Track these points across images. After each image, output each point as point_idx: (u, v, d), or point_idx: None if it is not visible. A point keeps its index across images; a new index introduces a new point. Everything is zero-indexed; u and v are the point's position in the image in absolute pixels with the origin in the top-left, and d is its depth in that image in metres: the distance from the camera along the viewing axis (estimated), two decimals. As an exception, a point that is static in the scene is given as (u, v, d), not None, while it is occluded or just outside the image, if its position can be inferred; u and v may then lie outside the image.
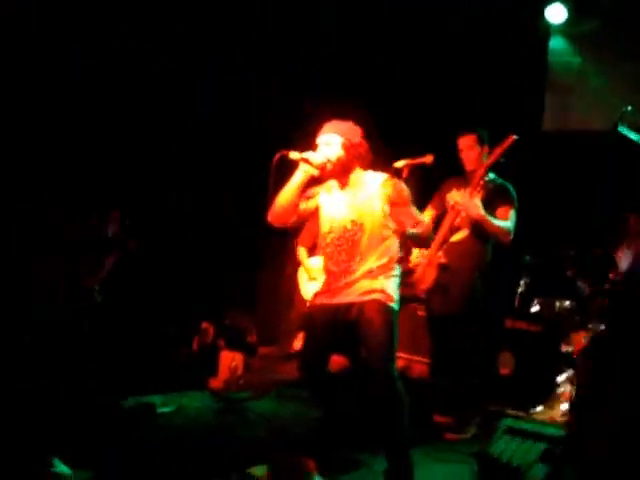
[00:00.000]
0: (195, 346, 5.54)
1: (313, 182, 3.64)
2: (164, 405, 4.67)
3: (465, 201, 4.29)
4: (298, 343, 6.28)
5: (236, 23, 5.93)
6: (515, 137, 4.18)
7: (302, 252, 6.21)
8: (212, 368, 5.38)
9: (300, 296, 6.18)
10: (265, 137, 5.70)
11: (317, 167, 3.52)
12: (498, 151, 4.23)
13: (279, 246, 6.53)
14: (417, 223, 3.58)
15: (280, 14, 6.11)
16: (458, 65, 6.21)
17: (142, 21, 5.27)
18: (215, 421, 4.58)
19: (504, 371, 5.06)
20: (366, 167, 3.63)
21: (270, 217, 3.63)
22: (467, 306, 4.41)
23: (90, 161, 4.94)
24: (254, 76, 6.04)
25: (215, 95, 5.85)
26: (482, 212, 4.26)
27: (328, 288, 3.65)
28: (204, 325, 5.60)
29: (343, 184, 3.62)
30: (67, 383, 4.41)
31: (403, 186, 3.60)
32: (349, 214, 3.57)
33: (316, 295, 3.75)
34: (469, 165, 4.52)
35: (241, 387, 5.21)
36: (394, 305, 3.53)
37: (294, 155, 3.47)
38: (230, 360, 5.31)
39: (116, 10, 5.08)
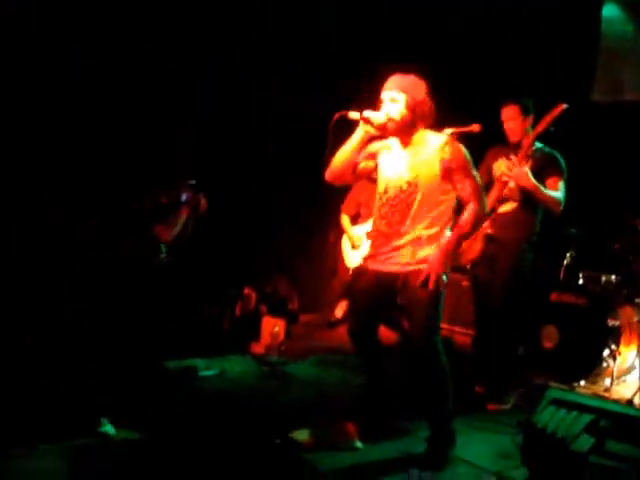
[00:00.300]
0: (238, 311, 5.59)
1: (375, 138, 3.59)
2: (207, 369, 4.72)
3: (515, 171, 4.22)
4: (340, 311, 6.32)
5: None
6: (565, 105, 4.10)
7: (346, 220, 6.22)
8: (254, 334, 5.42)
9: (343, 264, 6.21)
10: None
11: (378, 127, 3.46)
12: (547, 119, 4.15)
13: (323, 214, 6.55)
14: (473, 194, 3.45)
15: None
16: (507, 32, 6.09)
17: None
18: (257, 385, 4.62)
19: (548, 344, 5.01)
20: (429, 126, 3.53)
21: (328, 175, 3.61)
22: (514, 278, 4.35)
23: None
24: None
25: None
26: (533, 181, 4.19)
27: (376, 252, 3.61)
28: (247, 291, 5.64)
29: (405, 143, 3.53)
30: (123, 342, 4.47)
31: (462, 150, 3.47)
32: (406, 174, 3.49)
33: (365, 259, 3.74)
34: (513, 136, 4.43)
35: (282, 353, 5.24)
36: (441, 276, 3.44)
37: (354, 115, 3.41)
38: (272, 326, 5.35)
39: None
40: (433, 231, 3.48)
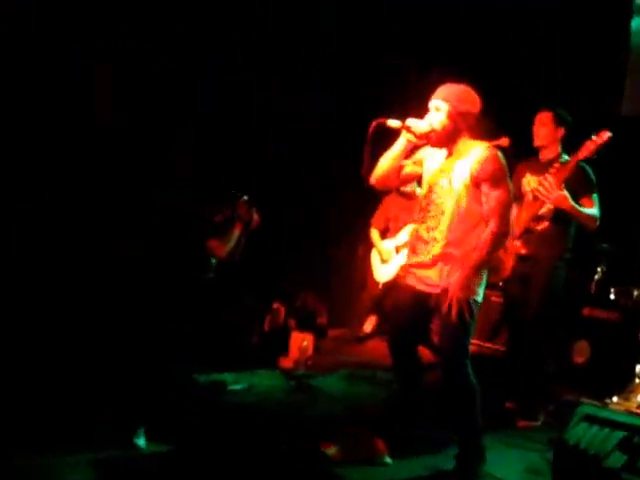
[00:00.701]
0: (266, 326, 5.60)
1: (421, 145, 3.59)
2: (235, 383, 4.74)
3: (554, 195, 4.17)
4: (369, 326, 6.31)
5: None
6: (609, 134, 4.06)
7: (375, 234, 6.23)
8: (283, 348, 5.42)
9: (372, 278, 6.21)
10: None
11: (420, 136, 3.45)
12: (591, 148, 4.09)
13: (352, 228, 6.55)
14: (496, 210, 3.34)
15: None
16: (537, 46, 6.07)
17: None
18: (285, 400, 4.62)
19: (579, 360, 4.96)
20: (476, 136, 3.48)
21: (373, 180, 3.61)
22: (548, 295, 4.32)
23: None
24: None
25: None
26: (573, 204, 4.17)
27: (414, 261, 3.55)
28: (275, 305, 5.64)
29: (448, 152, 3.51)
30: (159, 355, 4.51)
31: (496, 160, 3.38)
32: (444, 182, 3.46)
33: (402, 268, 3.72)
34: (537, 140, 4.42)
35: (310, 367, 5.24)
36: (474, 296, 3.41)
37: (393, 123, 3.41)
38: (300, 341, 5.35)
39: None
40: (467, 246, 3.41)
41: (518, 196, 4.41)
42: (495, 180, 3.36)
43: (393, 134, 3.51)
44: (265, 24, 6.06)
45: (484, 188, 3.37)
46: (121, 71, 5.18)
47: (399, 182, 3.73)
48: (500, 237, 3.38)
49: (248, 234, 5.09)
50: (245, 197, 5.02)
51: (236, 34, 5.93)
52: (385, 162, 3.56)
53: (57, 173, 4.79)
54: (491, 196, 3.36)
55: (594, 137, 4.11)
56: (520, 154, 4.57)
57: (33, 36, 4.71)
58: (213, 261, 4.99)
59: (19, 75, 4.68)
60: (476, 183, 3.37)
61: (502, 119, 5.02)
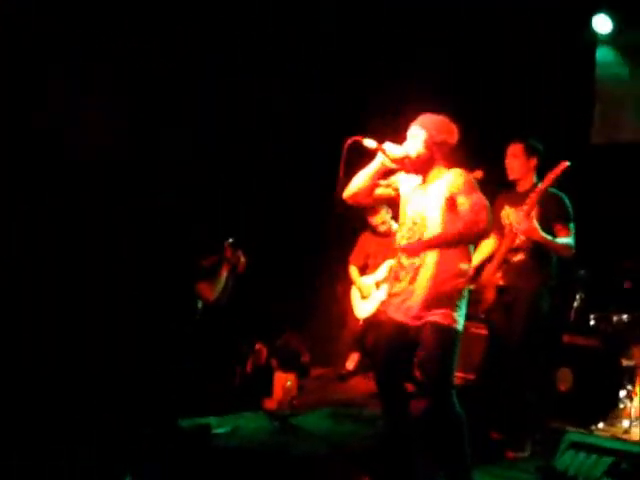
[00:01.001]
0: (249, 367, 5.55)
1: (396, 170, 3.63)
2: (220, 426, 4.67)
3: (524, 226, 4.20)
4: (351, 363, 6.28)
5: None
6: (568, 163, 4.12)
7: (354, 271, 6.23)
8: (266, 389, 5.37)
9: (353, 315, 6.19)
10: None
11: (394, 160, 3.49)
12: (551, 177, 4.15)
13: (329, 266, 6.55)
14: (471, 209, 3.33)
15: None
16: (504, 77, 6.17)
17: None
18: (269, 441, 4.56)
19: (563, 387, 4.96)
20: (451, 165, 3.52)
21: (345, 195, 3.65)
22: (532, 323, 4.33)
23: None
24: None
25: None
26: (543, 235, 4.20)
27: (396, 291, 3.56)
28: (257, 346, 5.60)
29: (423, 179, 3.56)
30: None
31: (466, 177, 3.44)
32: (419, 208, 3.51)
33: (383, 304, 3.73)
34: (511, 174, 4.48)
35: (295, 407, 5.19)
36: (454, 326, 3.43)
37: (369, 143, 3.44)
38: (284, 381, 5.30)
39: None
40: (445, 274, 3.42)
41: (498, 228, 4.45)
42: (468, 189, 3.40)
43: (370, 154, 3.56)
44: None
45: (460, 200, 3.38)
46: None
47: (371, 201, 3.77)
48: (470, 230, 3.37)
49: (235, 277, 5.08)
50: (230, 240, 5.02)
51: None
52: (359, 180, 3.62)
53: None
54: (466, 203, 3.36)
55: (554, 168, 4.17)
56: (500, 186, 4.62)
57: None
58: (200, 304, 4.96)
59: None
60: (451, 202, 3.41)
61: (478, 151, 5.09)
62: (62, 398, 4.22)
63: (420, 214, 3.51)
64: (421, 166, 3.51)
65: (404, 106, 4.12)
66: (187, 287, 4.88)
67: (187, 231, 5.07)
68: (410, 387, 4.39)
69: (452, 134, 3.52)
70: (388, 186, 3.70)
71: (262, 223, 6.16)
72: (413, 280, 3.47)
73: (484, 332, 5.00)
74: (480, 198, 3.40)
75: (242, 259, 5.05)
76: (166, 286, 4.82)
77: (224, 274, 4.99)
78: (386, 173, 3.67)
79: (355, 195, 3.66)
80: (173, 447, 4.23)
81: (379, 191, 3.69)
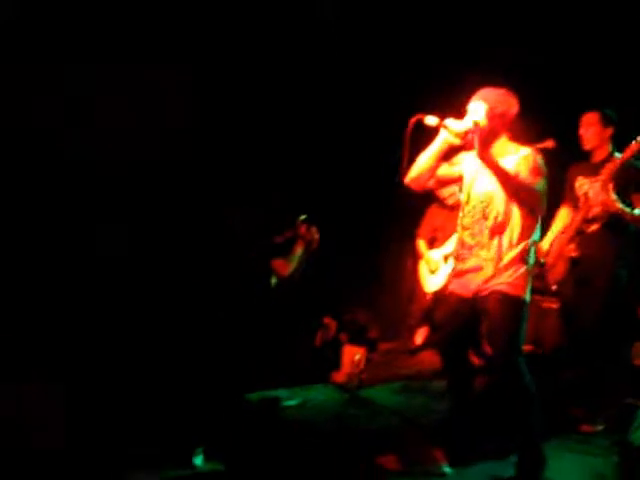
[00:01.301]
0: (318, 341, 5.59)
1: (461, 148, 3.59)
2: (289, 399, 4.73)
3: (600, 197, 4.11)
4: (419, 338, 6.25)
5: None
6: None
7: (422, 245, 6.18)
8: (335, 363, 5.40)
9: (421, 289, 6.15)
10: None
11: (457, 135, 3.44)
12: (633, 148, 4.04)
13: (398, 240, 6.52)
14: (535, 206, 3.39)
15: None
16: (581, 44, 5.97)
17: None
18: (340, 413, 4.58)
19: (638, 362, 4.84)
20: (514, 138, 3.50)
21: (407, 180, 3.62)
22: (609, 296, 4.23)
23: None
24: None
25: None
26: (620, 206, 4.10)
27: (461, 268, 3.57)
28: (326, 320, 5.64)
29: None
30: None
31: (538, 161, 3.42)
32: (484, 185, 3.50)
33: (450, 277, 3.72)
34: (586, 144, 4.37)
35: (363, 381, 5.21)
36: (522, 296, 3.42)
37: (431, 121, 3.38)
38: (353, 355, 5.32)
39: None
40: (512, 253, 3.43)
41: (572, 199, 4.38)
42: (534, 172, 3.38)
43: (431, 135, 3.51)
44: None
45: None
46: (200, 72, 5.26)
47: (435, 184, 3.73)
48: (524, 196, 3.37)
49: (309, 253, 5.11)
50: (303, 216, 5.05)
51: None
52: (421, 161, 3.58)
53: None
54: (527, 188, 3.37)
55: (639, 138, 4.04)
56: (573, 158, 4.52)
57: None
58: (274, 281, 5.01)
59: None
60: None
61: (552, 122, 4.96)
62: (136, 373, 4.32)
63: (486, 192, 3.48)
64: (484, 140, 3.44)
65: (468, 77, 4.05)
66: (261, 264, 4.92)
67: (260, 209, 5.11)
68: (476, 360, 4.39)
69: (512, 105, 3.48)
70: (451, 165, 3.66)
71: (331, 198, 6.16)
72: (480, 254, 3.46)
73: (555, 306, 4.92)
74: (542, 185, 3.38)
75: (316, 236, 5.07)
76: (240, 263, 4.87)
77: (299, 251, 5.01)
78: (448, 155, 3.61)
79: (418, 178, 3.60)
80: (244, 420, 4.30)
81: (442, 172, 3.64)
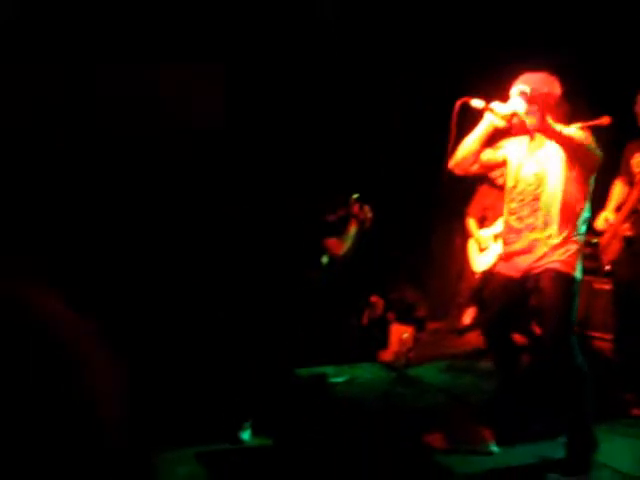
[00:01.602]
0: (365, 320, 5.60)
1: (505, 133, 3.56)
2: (337, 376, 4.75)
3: None
4: (468, 318, 6.20)
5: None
6: None
7: (472, 223, 6.12)
8: (382, 341, 5.41)
9: (470, 269, 6.10)
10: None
11: (502, 118, 3.40)
12: None
13: (447, 219, 6.47)
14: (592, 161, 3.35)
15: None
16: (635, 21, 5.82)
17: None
18: (387, 391, 4.60)
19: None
20: (559, 120, 3.42)
21: (452, 164, 3.60)
22: None
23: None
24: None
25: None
26: None
27: (509, 251, 3.55)
28: (374, 299, 5.64)
29: (532, 137, 3.50)
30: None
31: (586, 136, 3.37)
32: (532, 168, 3.47)
33: (497, 260, 3.70)
34: None
35: (410, 360, 5.20)
36: (574, 274, 3.38)
37: (477, 103, 3.36)
38: (400, 333, 5.32)
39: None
40: (564, 233, 3.39)
41: (628, 176, 4.30)
42: (588, 139, 3.34)
43: (474, 119, 3.48)
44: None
45: (578, 154, 3.33)
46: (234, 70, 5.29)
47: (479, 168, 3.69)
48: (581, 146, 3.32)
49: (363, 232, 5.10)
50: (356, 195, 5.04)
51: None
52: (466, 145, 3.54)
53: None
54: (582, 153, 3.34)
55: None
56: (628, 136, 4.42)
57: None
58: (325, 259, 5.02)
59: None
60: (571, 162, 3.35)
61: (607, 101, 4.85)
62: (187, 349, 4.37)
63: (536, 174, 3.45)
64: (541, 114, 3.37)
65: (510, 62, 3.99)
66: (313, 243, 4.93)
67: (314, 188, 5.13)
68: (520, 339, 4.35)
69: (555, 86, 3.43)
70: (495, 149, 3.62)
71: (382, 178, 6.15)
72: (529, 236, 3.43)
73: (608, 287, 4.83)
74: (597, 148, 3.35)
75: (369, 214, 5.05)
76: (293, 242, 4.89)
77: (352, 230, 5.01)
78: (492, 139, 3.58)
79: (462, 162, 3.58)
80: (291, 395, 4.33)
81: (485, 156, 3.60)
